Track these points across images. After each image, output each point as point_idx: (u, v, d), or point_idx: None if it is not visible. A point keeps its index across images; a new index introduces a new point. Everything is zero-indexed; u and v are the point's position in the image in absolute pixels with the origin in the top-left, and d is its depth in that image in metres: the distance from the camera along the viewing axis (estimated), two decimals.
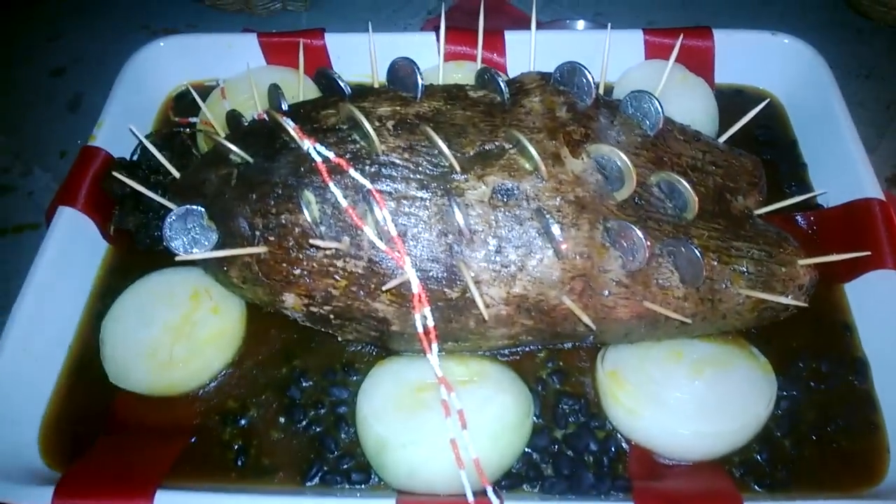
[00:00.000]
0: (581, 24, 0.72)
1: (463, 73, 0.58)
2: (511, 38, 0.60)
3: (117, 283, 0.52)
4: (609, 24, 0.62)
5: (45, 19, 0.81)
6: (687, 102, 0.57)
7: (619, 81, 0.60)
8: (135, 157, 0.54)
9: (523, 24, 0.73)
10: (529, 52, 0.55)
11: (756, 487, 0.43)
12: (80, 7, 0.82)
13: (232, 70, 0.61)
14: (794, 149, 0.59)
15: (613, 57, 0.57)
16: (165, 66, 0.62)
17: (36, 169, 0.68)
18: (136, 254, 0.54)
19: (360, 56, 0.59)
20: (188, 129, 0.55)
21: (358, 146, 0.41)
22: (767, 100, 0.55)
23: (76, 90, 0.74)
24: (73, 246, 0.52)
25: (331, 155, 0.41)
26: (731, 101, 0.61)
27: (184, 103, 0.63)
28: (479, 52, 0.57)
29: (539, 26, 0.62)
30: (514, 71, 0.61)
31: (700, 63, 0.60)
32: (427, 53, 0.60)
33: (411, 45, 0.60)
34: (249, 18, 0.77)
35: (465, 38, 0.60)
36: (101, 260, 0.54)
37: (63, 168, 0.64)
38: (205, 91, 0.62)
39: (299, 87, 0.55)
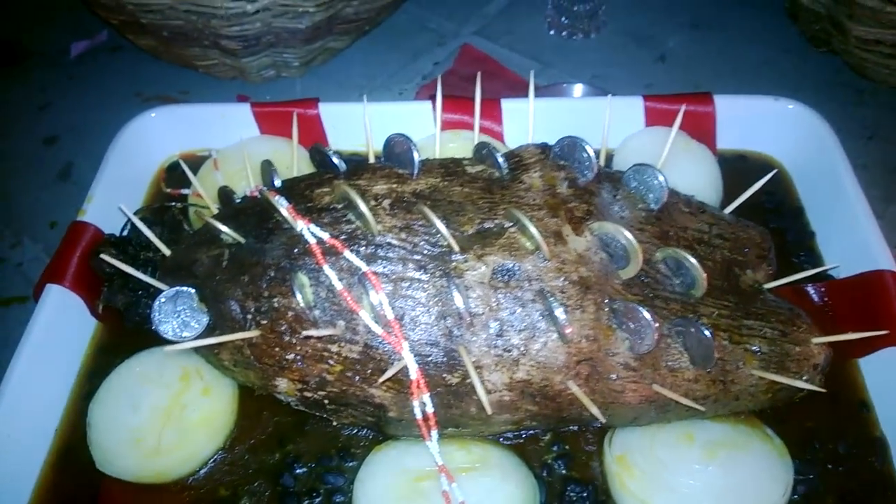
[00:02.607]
0: (579, 87, 0.71)
1: (459, 143, 0.56)
2: (508, 106, 0.59)
3: (106, 361, 0.51)
4: (609, 92, 0.62)
5: (36, 87, 0.81)
6: (690, 170, 0.56)
7: (620, 149, 0.59)
8: (125, 233, 0.52)
9: (520, 88, 0.73)
10: (528, 120, 0.54)
11: None
12: (73, 74, 0.82)
13: (225, 139, 0.60)
14: (801, 216, 0.57)
15: (613, 124, 0.55)
16: (157, 136, 0.62)
17: (25, 240, 0.67)
18: (125, 332, 0.52)
19: (354, 125, 0.59)
20: (179, 204, 0.54)
21: (353, 226, 0.40)
22: (776, 170, 0.54)
23: (67, 159, 0.74)
24: (61, 324, 0.50)
25: (325, 236, 0.40)
26: (735, 167, 0.60)
27: (176, 174, 0.62)
28: (477, 121, 0.56)
29: (537, 91, 0.62)
30: (511, 139, 0.61)
31: (702, 129, 0.59)
32: (423, 122, 0.59)
33: (407, 114, 0.60)
34: (243, 85, 0.76)
35: (462, 107, 0.59)
36: (90, 338, 0.53)
37: (53, 238, 0.64)
38: (197, 161, 0.61)
39: (293, 158, 0.54)
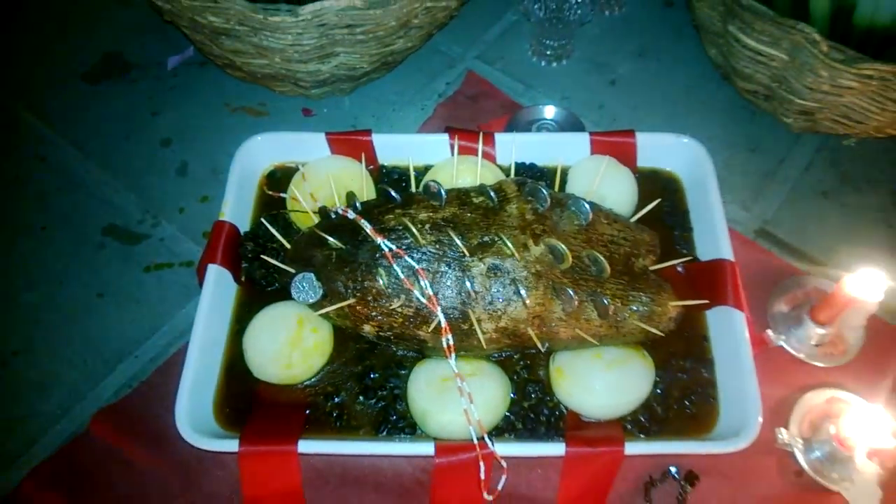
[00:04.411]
0: (551, 108, 0.93)
1: (466, 165, 0.80)
2: (499, 137, 0.84)
3: (246, 313, 0.74)
4: (572, 111, 0.88)
5: (144, 96, 1.00)
6: (616, 185, 0.80)
7: (573, 168, 0.82)
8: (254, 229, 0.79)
9: (509, 107, 0.96)
10: (513, 147, 0.83)
11: (639, 434, 0.69)
12: (172, 85, 1.01)
13: (308, 155, 0.83)
14: (686, 216, 0.82)
15: (569, 151, 0.83)
16: (261, 153, 0.84)
17: (162, 221, 0.88)
18: (255, 293, 0.76)
19: (394, 147, 0.84)
20: (286, 211, 0.78)
21: (409, 241, 0.68)
22: (659, 199, 0.78)
23: (182, 158, 0.93)
24: (219, 288, 0.74)
25: (393, 247, 0.68)
26: (649, 178, 0.84)
27: (273, 179, 0.84)
28: (480, 150, 0.81)
29: (519, 110, 0.90)
30: (501, 159, 0.85)
31: (626, 155, 0.83)
32: (442, 148, 0.84)
33: (431, 143, 0.84)
34: (306, 100, 0.98)
35: (468, 137, 0.83)
36: (234, 297, 0.76)
37: (183, 221, 0.88)
38: (288, 171, 0.84)
39: (363, 178, 0.80)
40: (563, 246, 0.68)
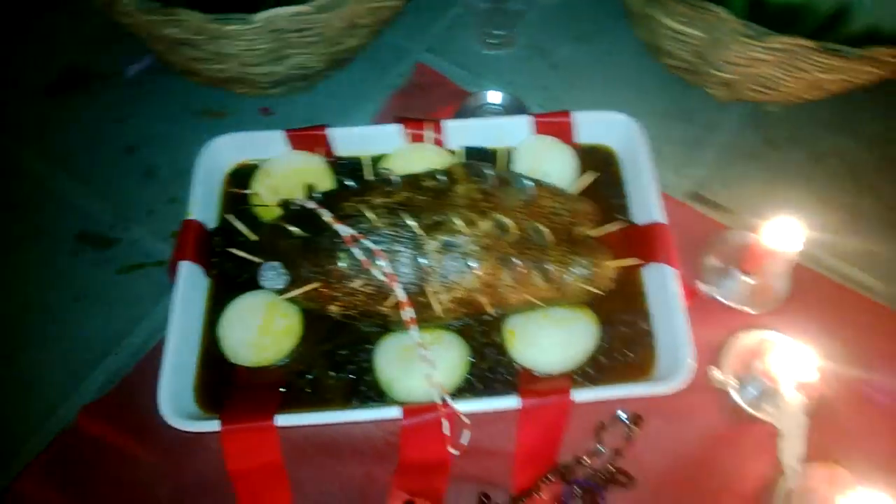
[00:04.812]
0: (497, 94, 0.99)
1: (417, 152, 0.86)
2: (447, 124, 0.89)
3: (218, 304, 0.78)
4: (517, 95, 0.94)
5: (105, 105, 1.04)
6: (558, 161, 0.86)
7: (518, 147, 0.88)
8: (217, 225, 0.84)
9: (459, 95, 1.01)
10: (461, 133, 0.88)
11: (586, 384, 0.75)
12: (133, 93, 1.05)
13: (268, 152, 0.88)
14: (622, 186, 0.87)
15: (514, 132, 0.89)
16: (224, 153, 0.88)
17: (132, 224, 0.92)
18: (226, 283, 0.80)
19: (350, 140, 0.89)
20: (250, 205, 0.83)
21: (366, 225, 0.73)
22: (596, 173, 0.85)
23: (148, 162, 0.97)
24: (191, 282, 0.78)
25: (351, 231, 0.74)
26: (588, 153, 0.90)
27: (236, 178, 0.88)
28: (428, 136, 0.87)
29: (466, 97, 0.96)
30: (450, 143, 0.90)
31: (565, 133, 0.89)
32: (394, 137, 0.89)
33: (384, 133, 0.89)
34: (264, 100, 1.03)
35: (418, 125, 0.88)
36: (207, 289, 0.80)
37: (153, 223, 0.92)
38: (250, 168, 0.89)
39: (321, 171, 0.86)
40: (508, 220, 0.74)
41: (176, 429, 0.71)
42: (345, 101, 1.05)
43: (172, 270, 0.78)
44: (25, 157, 1.00)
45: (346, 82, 1.04)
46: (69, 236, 0.93)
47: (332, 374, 0.77)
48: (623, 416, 0.79)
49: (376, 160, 0.89)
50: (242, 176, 0.90)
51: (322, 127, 0.90)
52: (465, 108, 1.00)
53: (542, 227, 0.75)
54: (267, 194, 0.80)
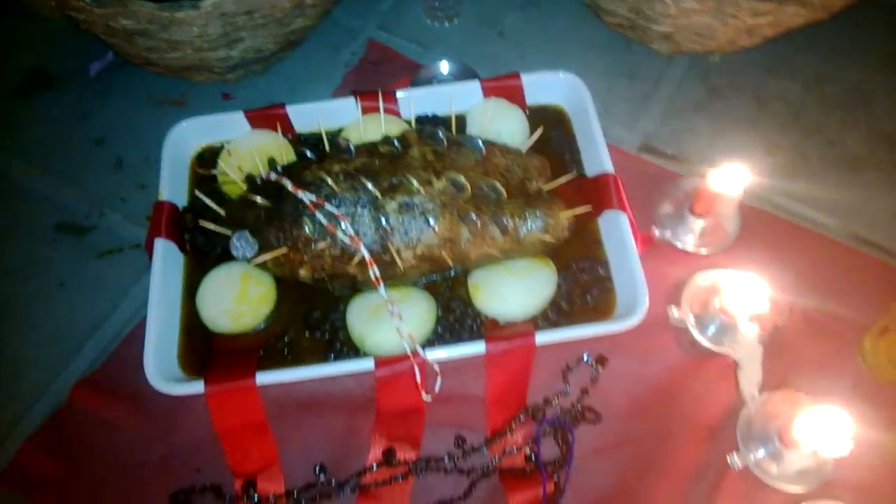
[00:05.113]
0: (445, 64, 1.02)
1: (372, 123, 0.89)
2: (401, 94, 0.93)
3: (195, 278, 0.82)
4: (465, 63, 0.98)
5: (72, 102, 1.07)
6: (508, 123, 0.90)
7: (469, 112, 0.92)
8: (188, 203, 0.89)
9: (412, 67, 1.05)
10: (412, 104, 0.93)
11: (548, 327, 0.80)
12: (98, 89, 1.08)
13: (231, 133, 0.92)
14: (573, 140, 0.91)
15: (464, 97, 0.93)
16: (188, 137, 0.92)
17: (106, 210, 0.96)
18: (201, 258, 0.83)
19: (308, 116, 0.92)
20: (218, 183, 0.87)
21: (327, 191, 0.77)
22: (542, 128, 0.88)
23: (116, 153, 1.01)
24: (168, 258, 0.81)
25: (313, 198, 0.78)
26: (538, 113, 0.94)
27: (202, 160, 0.92)
28: (381, 107, 0.91)
29: (417, 70, 1.00)
30: (404, 112, 0.93)
31: (515, 95, 0.93)
32: (349, 110, 0.92)
33: (340, 107, 0.93)
34: (223, 86, 1.06)
35: (372, 97, 0.91)
36: (183, 264, 0.83)
37: (127, 208, 0.95)
38: (215, 150, 0.93)
39: (281, 146, 0.90)
40: (462, 177, 0.78)
41: (163, 396, 0.75)
42: (302, 82, 1.08)
43: (149, 248, 0.83)
44: (0, 156, 1.03)
45: (301, 63, 1.08)
46: (47, 227, 0.96)
47: (307, 335, 0.81)
48: (588, 358, 0.84)
49: (335, 135, 0.93)
50: (208, 159, 0.94)
51: (280, 105, 0.93)
52: (419, 80, 1.03)
53: (496, 184, 0.79)
54: (232, 174, 0.83)
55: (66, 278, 0.92)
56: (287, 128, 0.94)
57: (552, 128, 0.94)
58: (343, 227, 0.76)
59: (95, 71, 1.10)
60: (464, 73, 1.03)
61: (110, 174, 0.99)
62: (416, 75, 1.04)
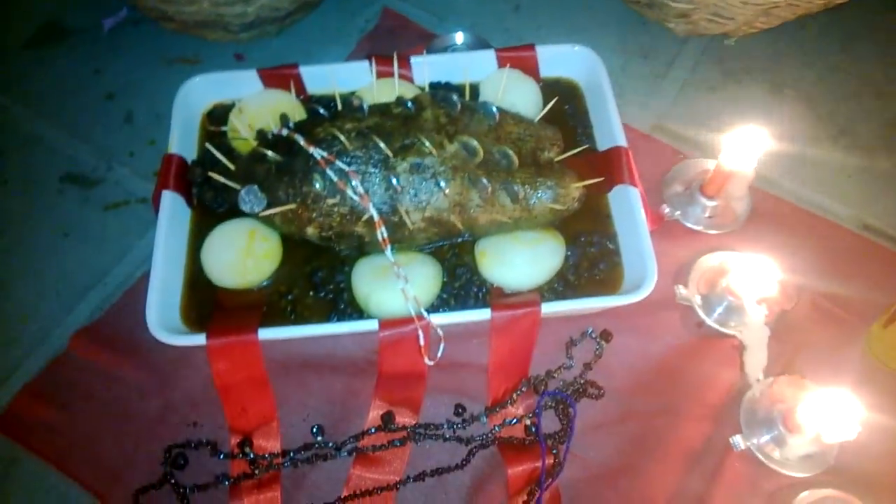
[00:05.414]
0: (460, 35, 1.02)
1: (386, 87, 0.89)
2: (414, 60, 0.92)
3: (201, 232, 0.80)
4: (480, 36, 0.97)
5: (84, 57, 1.07)
6: (522, 93, 0.89)
7: (484, 82, 0.91)
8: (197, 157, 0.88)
9: (426, 37, 1.07)
10: (428, 70, 0.92)
11: (555, 300, 0.79)
12: (110, 45, 1.08)
13: (242, 91, 0.91)
14: (586, 115, 0.89)
15: (479, 67, 0.92)
16: (200, 93, 0.91)
17: (115, 165, 0.96)
18: (207, 213, 0.83)
19: (322, 77, 0.92)
20: (226, 139, 0.86)
21: (339, 148, 0.77)
22: (556, 98, 0.88)
23: (127, 108, 1.01)
24: (175, 211, 0.80)
25: (324, 154, 0.78)
26: (551, 86, 0.93)
27: (213, 116, 0.91)
28: (396, 71, 0.90)
29: (432, 39, 0.99)
30: (418, 80, 0.93)
31: (529, 67, 0.92)
32: (363, 74, 0.92)
33: (353, 70, 0.92)
34: (237, 46, 1.06)
35: (387, 62, 0.91)
36: (190, 218, 0.83)
37: (135, 163, 0.96)
38: (226, 107, 0.92)
39: (293, 105, 0.89)
40: (475, 142, 0.78)
41: (163, 349, 0.74)
42: (315, 46, 1.07)
43: (156, 202, 0.83)
44: (10, 106, 1.03)
45: (315, 28, 1.09)
46: (55, 178, 0.96)
47: (311, 294, 0.81)
48: (592, 332, 0.83)
49: (347, 97, 0.92)
50: (218, 116, 0.93)
51: (294, 65, 0.93)
52: (433, 49, 1.03)
53: (508, 151, 0.79)
54: (243, 130, 0.82)
55: (71, 229, 0.92)
56: (300, 89, 0.93)
57: (565, 102, 0.93)
58: (353, 184, 0.76)
59: (109, 27, 1.10)
60: (478, 44, 1.03)
61: (120, 129, 1.00)
62: (430, 44, 1.03)
